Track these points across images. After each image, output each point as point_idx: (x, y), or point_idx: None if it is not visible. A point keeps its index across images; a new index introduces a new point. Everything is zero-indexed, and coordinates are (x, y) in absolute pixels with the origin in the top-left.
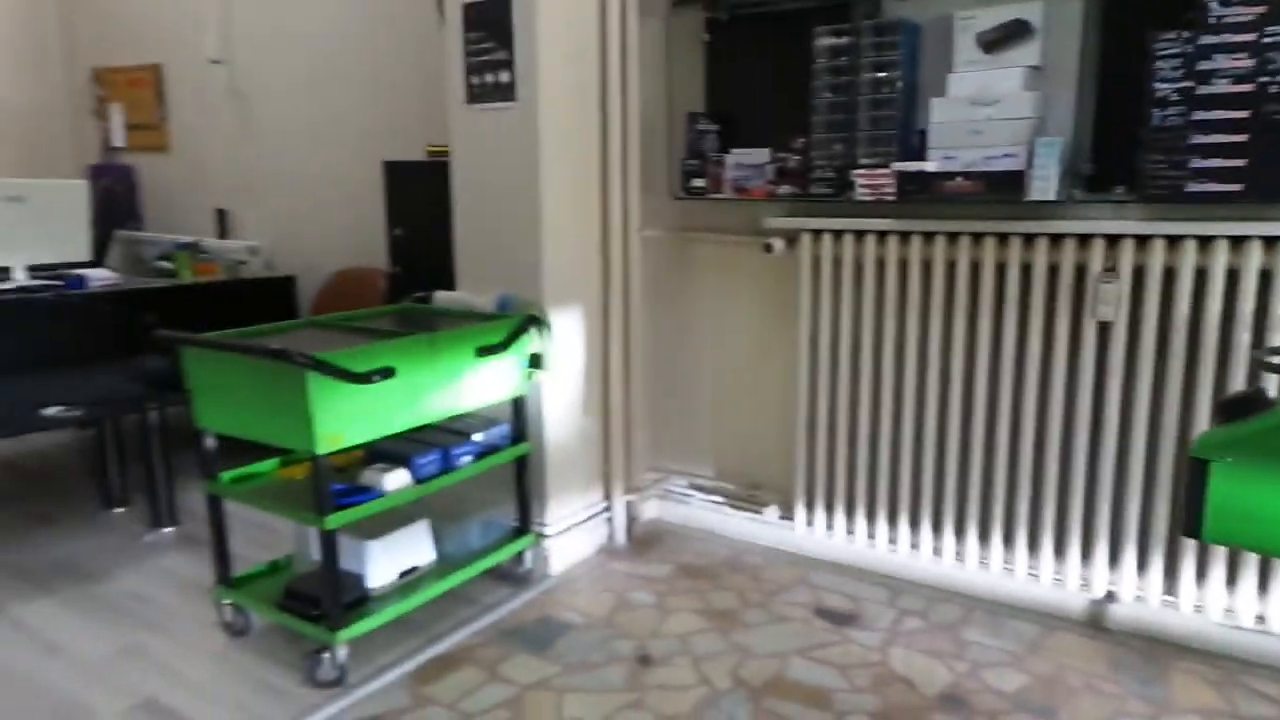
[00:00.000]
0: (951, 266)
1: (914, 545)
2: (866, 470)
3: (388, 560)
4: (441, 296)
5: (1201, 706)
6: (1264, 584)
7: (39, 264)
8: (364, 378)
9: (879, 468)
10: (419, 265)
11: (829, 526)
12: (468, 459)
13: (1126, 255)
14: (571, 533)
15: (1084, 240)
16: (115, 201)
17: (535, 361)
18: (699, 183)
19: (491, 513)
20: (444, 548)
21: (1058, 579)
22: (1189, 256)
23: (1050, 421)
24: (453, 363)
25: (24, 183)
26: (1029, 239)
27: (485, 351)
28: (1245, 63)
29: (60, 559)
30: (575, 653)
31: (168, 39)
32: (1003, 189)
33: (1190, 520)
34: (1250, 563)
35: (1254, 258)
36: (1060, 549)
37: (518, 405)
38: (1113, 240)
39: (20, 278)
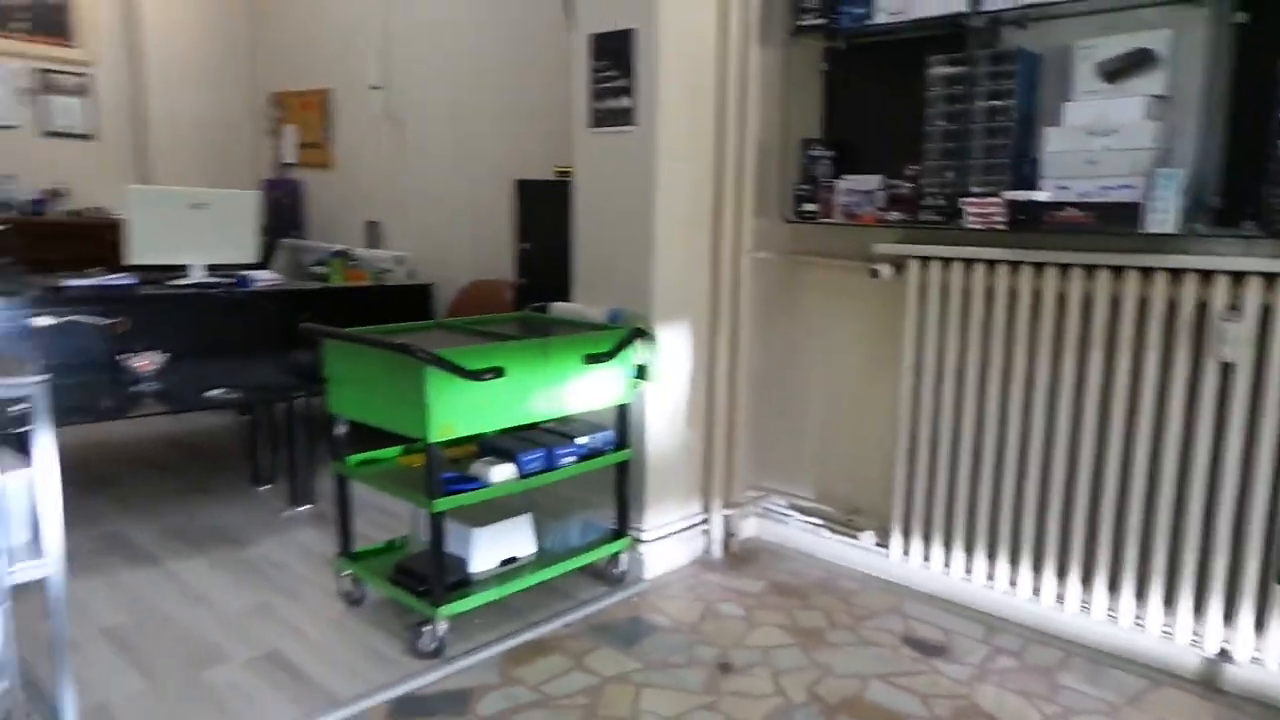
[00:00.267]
0: (1062, 299)
1: (1012, 583)
2: (966, 502)
3: (491, 547)
4: (557, 307)
5: None
6: None
7: (213, 264)
8: (475, 374)
9: (979, 501)
10: (543, 277)
11: (925, 557)
12: (570, 459)
13: (1253, 293)
14: (668, 540)
15: (1206, 276)
16: (283, 211)
17: (641, 372)
18: (810, 207)
19: (592, 514)
20: (545, 542)
21: (1166, 631)
22: None
23: (1164, 465)
24: (561, 368)
25: (207, 191)
26: (1146, 273)
27: (592, 359)
28: None
29: (212, 525)
30: (658, 652)
31: (336, 67)
32: (1117, 220)
33: None
34: None
35: None
36: (1170, 599)
37: (622, 413)
38: (1238, 277)
39: (198, 275)
